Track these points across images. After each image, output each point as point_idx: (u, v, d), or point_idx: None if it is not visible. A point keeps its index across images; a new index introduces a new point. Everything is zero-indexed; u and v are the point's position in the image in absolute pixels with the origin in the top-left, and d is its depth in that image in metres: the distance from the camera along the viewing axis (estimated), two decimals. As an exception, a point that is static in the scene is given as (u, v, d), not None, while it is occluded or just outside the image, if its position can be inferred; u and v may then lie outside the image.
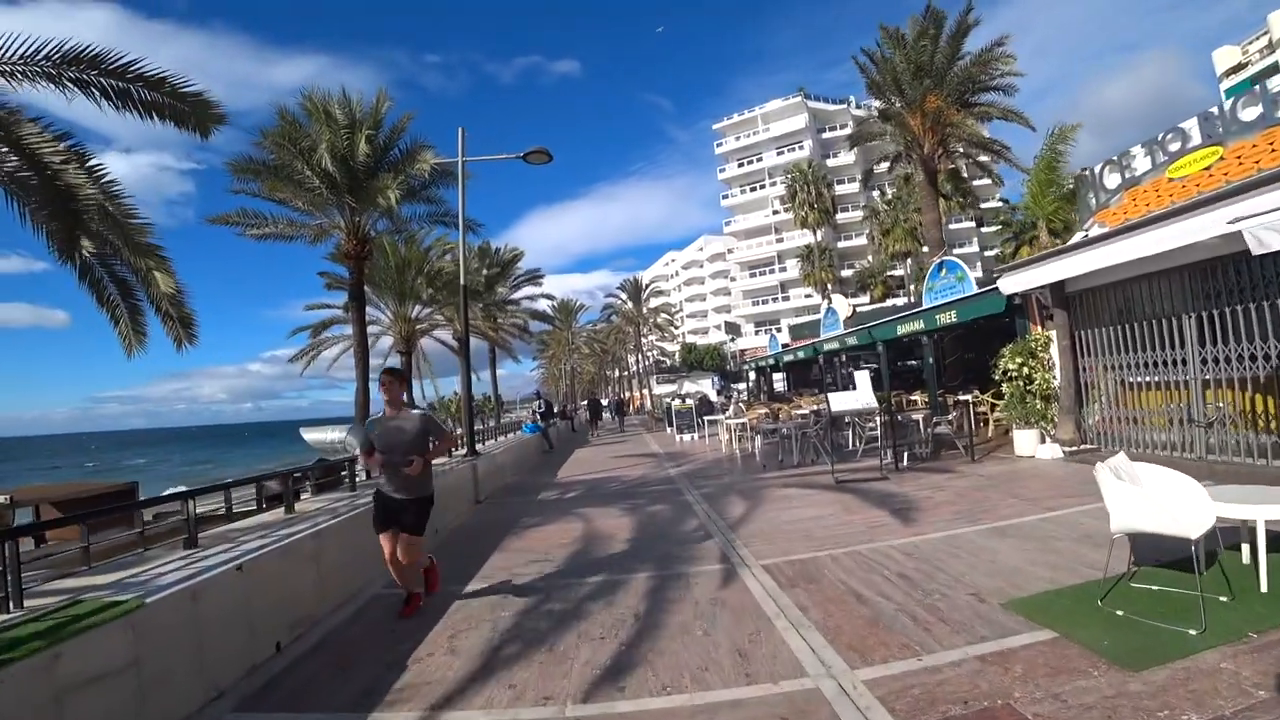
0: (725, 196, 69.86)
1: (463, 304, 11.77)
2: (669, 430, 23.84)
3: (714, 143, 70.62)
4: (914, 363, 27.62)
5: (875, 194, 65.45)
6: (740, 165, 68.55)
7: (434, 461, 5.24)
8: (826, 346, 19.20)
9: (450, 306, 28.18)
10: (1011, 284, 10.65)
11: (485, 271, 33.95)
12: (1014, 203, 39.83)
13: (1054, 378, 10.53)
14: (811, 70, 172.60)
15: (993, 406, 13.11)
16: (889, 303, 40.36)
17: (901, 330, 14.72)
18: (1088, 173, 10.68)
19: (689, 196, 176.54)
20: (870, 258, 62.21)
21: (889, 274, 55.93)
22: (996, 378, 11.13)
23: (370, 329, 26.21)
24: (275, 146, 17.43)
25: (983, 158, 20.97)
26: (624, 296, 59.69)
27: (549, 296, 40.45)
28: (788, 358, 24.09)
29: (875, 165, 22.13)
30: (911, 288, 52.47)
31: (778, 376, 30.82)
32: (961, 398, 14.80)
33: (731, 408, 17.07)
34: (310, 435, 9.97)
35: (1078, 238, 10.28)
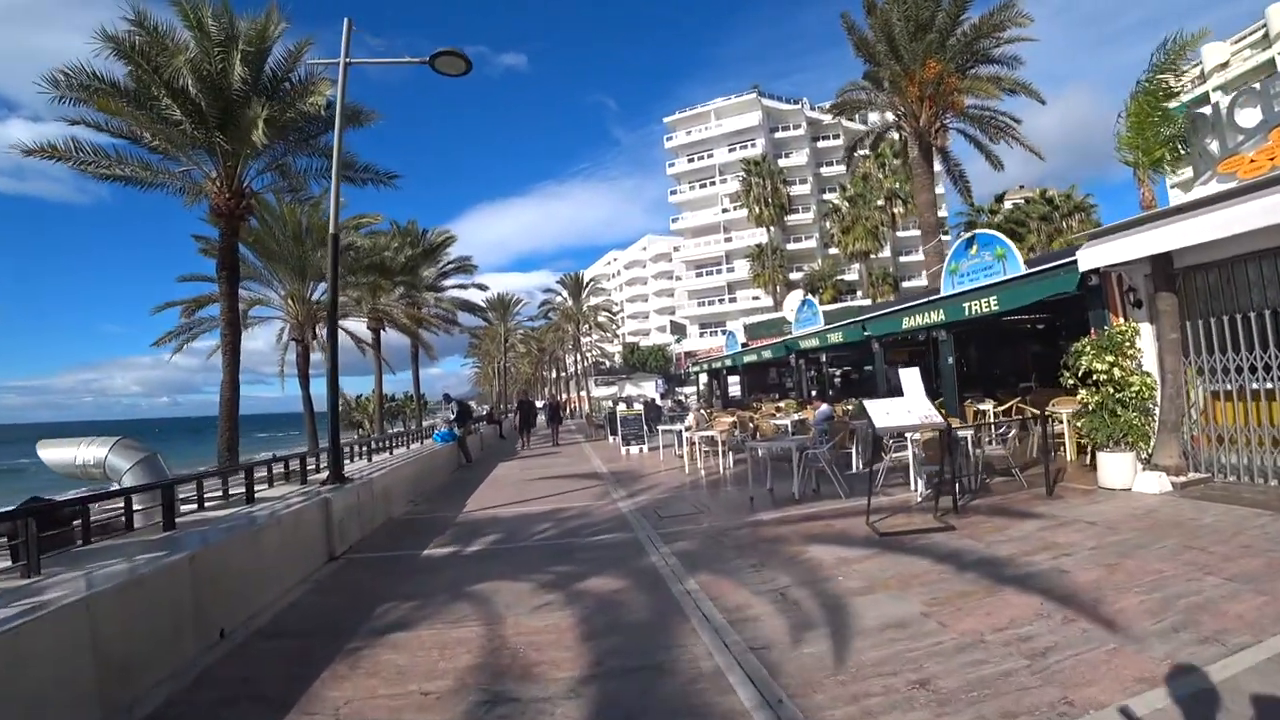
0: (673, 192, 67.03)
1: (331, 255, 8.09)
2: (611, 440, 20.46)
3: (664, 136, 67.77)
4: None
5: (828, 194, 64.10)
6: (690, 161, 65.89)
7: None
8: (804, 344, 16.24)
9: (362, 287, 24.15)
10: (1096, 257, 7.82)
11: (408, 251, 29.89)
12: (979, 204, 38.24)
13: (1153, 383, 7.74)
14: (759, 80, 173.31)
15: (1038, 420, 10.27)
16: (837, 307, 38.20)
17: (909, 323, 11.85)
18: (1207, 110, 7.91)
19: (634, 199, 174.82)
20: (819, 261, 60.54)
21: (839, 278, 54.19)
22: (1069, 382, 8.26)
23: (264, 311, 21.92)
24: (121, 57, 13.32)
25: (965, 132, 18.44)
26: (563, 292, 55.96)
27: (481, 286, 36.42)
28: (749, 358, 21.10)
29: (859, 142, 19.37)
30: (861, 291, 50.84)
31: (733, 379, 27.90)
32: (981, 407, 12.00)
33: (691, 415, 13.89)
34: (49, 453, 6.20)
35: (1195, 194, 7.50)
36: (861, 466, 10.34)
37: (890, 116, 18.10)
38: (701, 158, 65.41)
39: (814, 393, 20.78)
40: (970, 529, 6.22)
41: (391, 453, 11.90)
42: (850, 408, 14.48)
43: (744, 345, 23.27)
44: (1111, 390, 7.72)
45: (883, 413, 6.45)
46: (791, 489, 8.71)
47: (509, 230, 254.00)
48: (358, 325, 28.18)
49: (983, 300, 10.03)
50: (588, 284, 57.23)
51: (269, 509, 6.03)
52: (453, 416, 16.57)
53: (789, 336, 17.79)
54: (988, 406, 11.96)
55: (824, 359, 16.05)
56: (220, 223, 15.37)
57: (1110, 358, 7.72)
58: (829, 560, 5.48)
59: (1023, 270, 9.83)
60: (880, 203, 41.51)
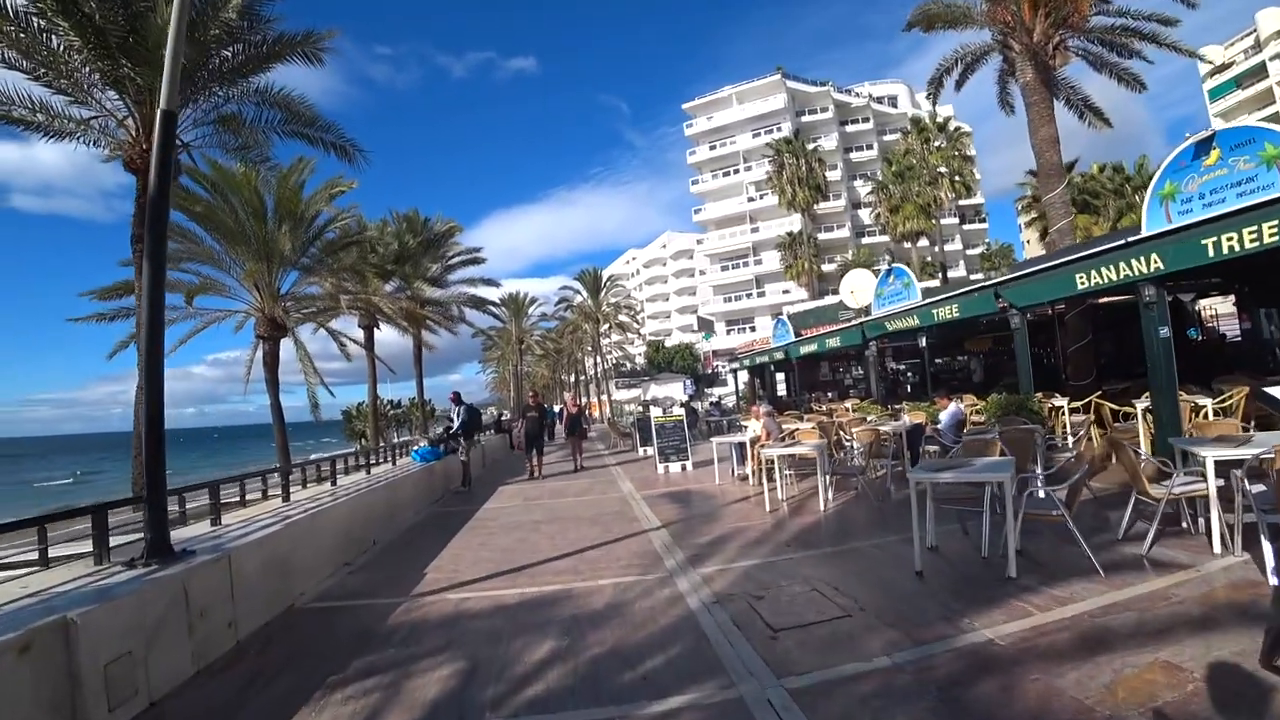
0: (695, 182, 63.10)
1: (157, 152, 4.49)
2: (642, 453, 16.71)
3: (683, 124, 63.95)
4: (945, 359, 21.13)
5: (859, 180, 59.95)
6: (712, 148, 61.92)
7: None
8: (894, 325, 12.40)
9: (346, 272, 20.64)
10: None
11: (407, 239, 26.52)
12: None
13: None
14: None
15: None
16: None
17: (1087, 282, 7.98)
18: None
19: (648, 203, 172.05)
20: (851, 251, 56.36)
21: (876, 268, 50.02)
22: None
23: (223, 303, 18.32)
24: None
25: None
26: (582, 291, 52.29)
27: (492, 282, 32.65)
28: (806, 349, 17.28)
29: (945, 73, 15.47)
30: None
31: (779, 377, 24.05)
32: (1202, 401, 8.11)
33: (758, 422, 10.09)
34: None
35: None
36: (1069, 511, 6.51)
37: (990, 36, 14.20)
38: (723, 144, 61.45)
39: (883, 390, 16.89)
40: None
41: (334, 482, 8.26)
42: (977, 405, 10.65)
43: (799, 335, 19.44)
44: None
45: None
46: (980, 548, 4.97)
47: (524, 237, 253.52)
48: (348, 324, 24.78)
49: (1247, 231, 6.19)
50: (606, 281, 53.61)
51: None
52: (455, 424, 12.83)
53: (870, 318, 13.91)
54: (1208, 402, 8.08)
55: (922, 343, 12.16)
56: (139, 180, 11.98)
57: None
58: None
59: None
60: (928, 183, 37.53)
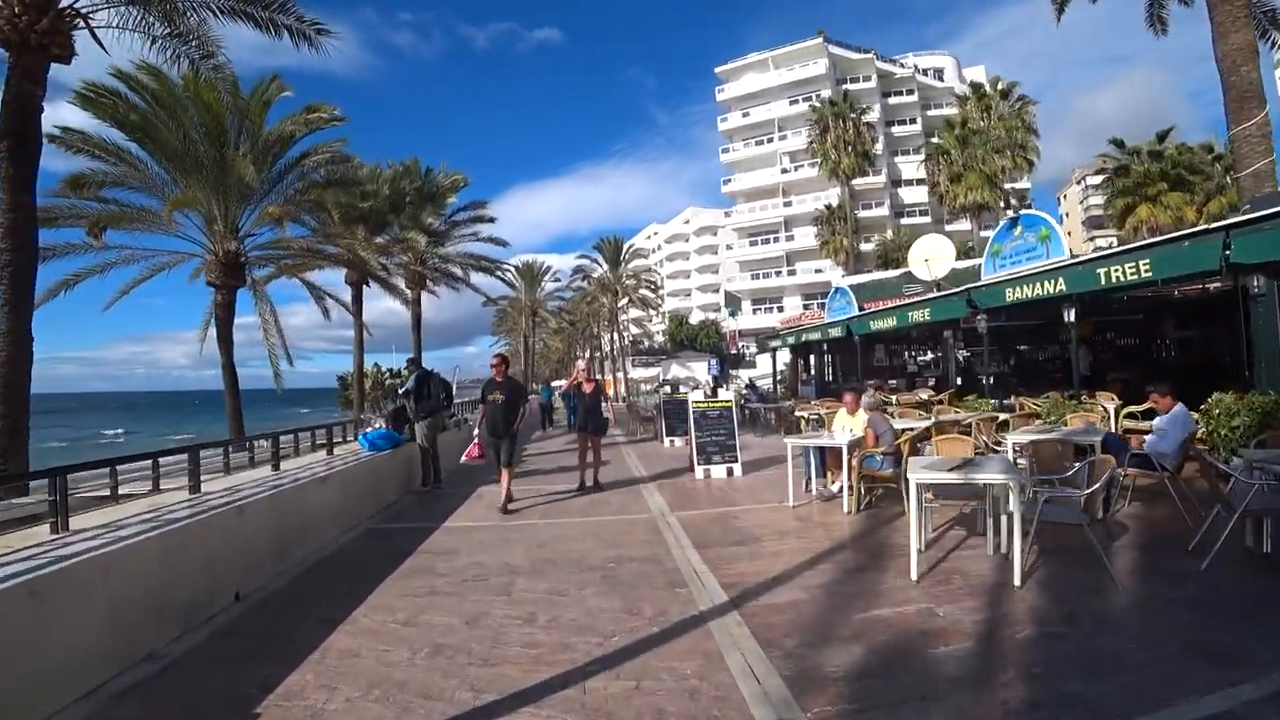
0: (725, 150, 59.16)
1: None
2: (668, 444, 13.48)
3: (714, 89, 59.89)
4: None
5: (898, 158, 55.80)
6: (745, 115, 57.83)
7: None
8: (1021, 292, 9.06)
9: (324, 213, 17.48)
10: None
11: (402, 184, 23.31)
12: (1132, 145, 30.21)
13: None
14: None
15: None
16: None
17: None
18: None
19: (671, 182, 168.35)
20: (890, 231, 52.30)
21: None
22: None
23: (169, 243, 15.13)
24: None
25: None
26: (600, 261, 48.81)
27: (500, 242, 29.20)
28: (878, 323, 13.92)
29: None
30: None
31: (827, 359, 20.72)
32: None
33: (853, 421, 6.86)
34: None
35: None
36: None
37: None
38: (757, 111, 57.34)
39: (959, 380, 13.55)
40: None
41: (197, 488, 5.19)
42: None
43: (864, 309, 16.10)
44: None
45: None
46: None
47: (546, 212, 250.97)
48: (335, 283, 21.83)
49: None
50: (627, 251, 50.07)
51: None
52: (399, 401, 9.40)
53: (982, 284, 10.54)
54: None
55: (1070, 317, 8.78)
56: (11, 56, 8.89)
57: None
58: None
59: None
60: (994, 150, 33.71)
